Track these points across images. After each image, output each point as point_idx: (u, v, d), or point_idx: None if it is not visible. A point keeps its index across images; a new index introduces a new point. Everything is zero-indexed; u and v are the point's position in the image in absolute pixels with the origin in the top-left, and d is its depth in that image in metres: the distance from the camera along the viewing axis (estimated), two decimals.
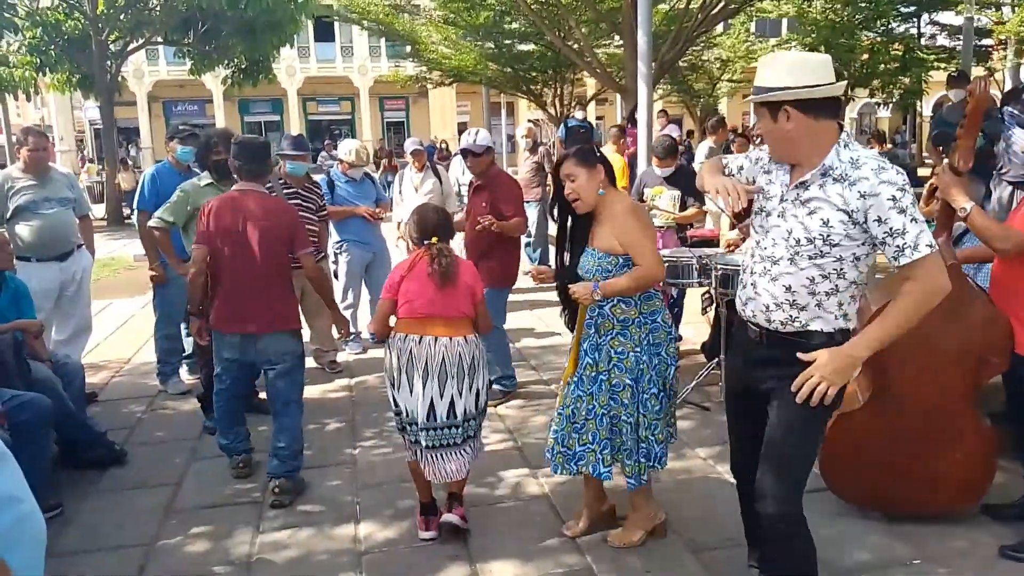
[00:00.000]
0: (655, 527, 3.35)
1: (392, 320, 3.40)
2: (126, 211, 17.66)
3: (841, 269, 2.31)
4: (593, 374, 3.15)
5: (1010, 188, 5.04)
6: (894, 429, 3.26)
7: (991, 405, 3.46)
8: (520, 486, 3.92)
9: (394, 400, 3.37)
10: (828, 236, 2.26)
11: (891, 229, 2.19)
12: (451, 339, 3.25)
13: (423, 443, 3.30)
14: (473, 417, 3.36)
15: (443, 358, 3.23)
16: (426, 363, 3.23)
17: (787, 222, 2.34)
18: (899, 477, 3.27)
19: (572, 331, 3.32)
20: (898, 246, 2.19)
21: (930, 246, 2.18)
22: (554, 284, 3.46)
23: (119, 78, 17.65)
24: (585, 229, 3.22)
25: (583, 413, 3.17)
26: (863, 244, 2.28)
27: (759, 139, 3.29)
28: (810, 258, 2.30)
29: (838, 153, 2.27)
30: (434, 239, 3.38)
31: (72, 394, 4.24)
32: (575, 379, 3.20)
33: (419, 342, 3.25)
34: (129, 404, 5.34)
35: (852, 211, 2.23)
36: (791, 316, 2.36)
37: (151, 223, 4.77)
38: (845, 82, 2.61)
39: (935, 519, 3.36)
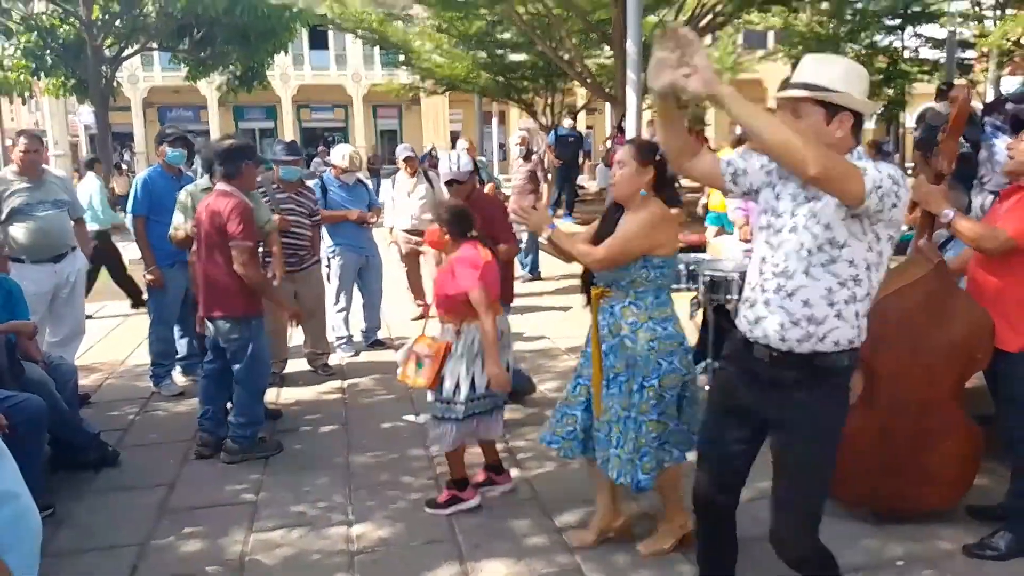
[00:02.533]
0: (684, 535, 3.26)
1: (433, 310, 3.80)
2: (120, 215, 17.65)
3: (856, 276, 2.24)
4: (614, 375, 3.11)
5: (991, 196, 5.12)
6: (885, 427, 3.31)
7: (977, 407, 3.52)
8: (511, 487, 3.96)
9: (473, 383, 3.54)
10: (833, 238, 2.22)
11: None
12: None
13: (478, 411, 3.61)
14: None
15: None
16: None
17: (799, 235, 2.28)
18: (890, 475, 3.32)
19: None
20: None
21: (862, 170, 2.11)
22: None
23: (114, 83, 17.63)
24: (614, 224, 3.18)
25: (611, 416, 3.11)
26: (870, 249, 2.23)
27: None
28: (823, 266, 2.24)
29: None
30: (473, 232, 3.65)
31: (66, 395, 4.25)
32: (604, 383, 3.15)
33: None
34: (122, 406, 5.35)
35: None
36: (808, 333, 2.27)
37: (179, 234, 4.85)
38: (878, 105, 2.59)
39: (922, 519, 3.41)
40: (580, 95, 24.71)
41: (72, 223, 5.25)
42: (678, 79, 2.02)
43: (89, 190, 8.44)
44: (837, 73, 2.22)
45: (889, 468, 3.31)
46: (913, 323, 3.21)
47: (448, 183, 4.82)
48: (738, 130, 5.27)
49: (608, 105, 15.48)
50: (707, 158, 2.54)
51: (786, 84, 2.35)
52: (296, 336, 6.23)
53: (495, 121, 29.43)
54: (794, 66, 2.40)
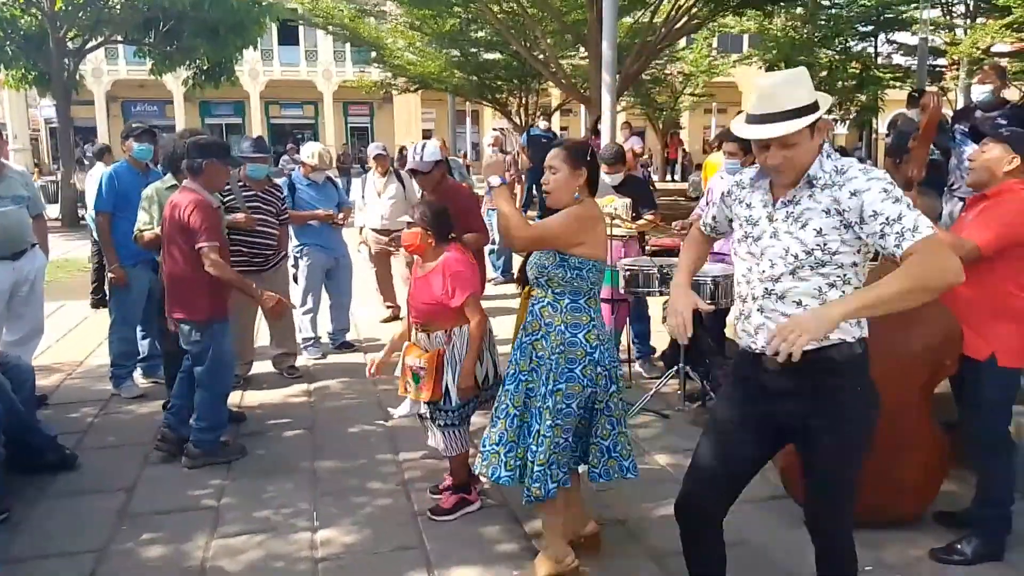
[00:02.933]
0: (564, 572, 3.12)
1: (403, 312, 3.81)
2: (81, 212, 17.30)
3: (845, 276, 2.25)
4: (514, 371, 3.11)
5: (961, 203, 5.19)
6: None
7: (944, 414, 3.54)
8: (480, 492, 3.91)
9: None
10: (825, 244, 2.22)
11: (887, 218, 2.12)
12: None
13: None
14: None
15: None
16: None
17: (782, 241, 2.27)
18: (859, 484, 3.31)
19: None
20: (898, 232, 2.11)
21: (931, 227, 2.12)
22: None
23: (77, 76, 17.29)
24: None
25: (499, 411, 3.13)
26: (859, 251, 2.25)
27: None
28: (811, 268, 2.24)
29: (821, 164, 2.24)
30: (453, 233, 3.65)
31: (22, 397, 4.14)
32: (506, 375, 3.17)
33: None
34: (81, 408, 5.22)
35: (844, 210, 2.18)
36: None
37: (146, 235, 4.71)
38: (831, 98, 2.60)
39: (890, 525, 3.42)
40: (555, 96, 24.74)
41: (31, 220, 5.11)
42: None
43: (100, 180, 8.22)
44: (802, 88, 2.22)
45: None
46: (880, 330, 3.21)
47: (411, 172, 4.78)
48: (713, 133, 5.27)
49: (583, 106, 15.50)
50: (701, 239, 2.72)
51: (755, 117, 2.25)
52: (262, 337, 6.13)
53: (468, 121, 29.37)
54: (768, 69, 2.35)
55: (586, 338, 3.01)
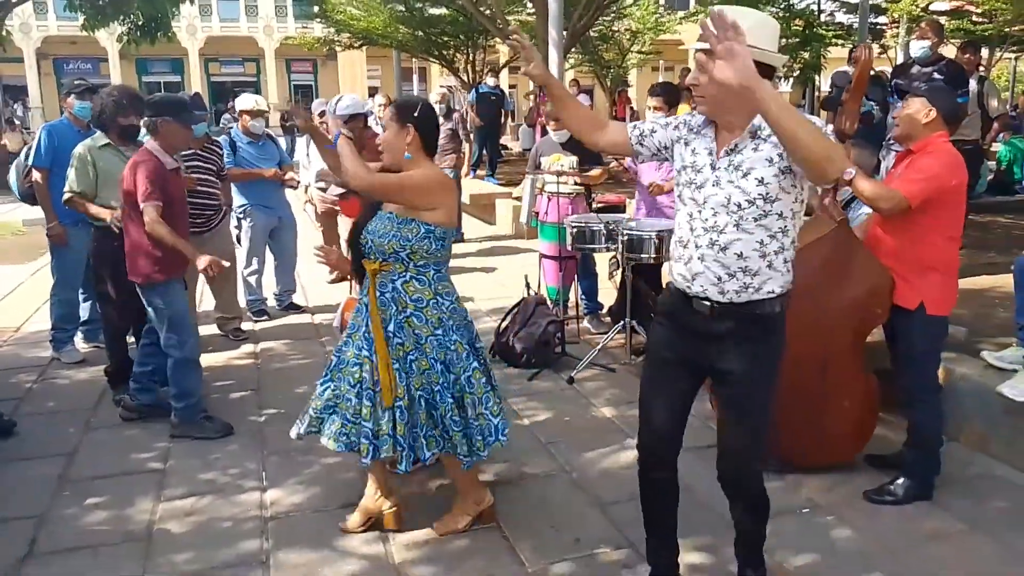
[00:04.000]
0: (482, 512, 3.21)
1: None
2: (12, 175, 16.69)
3: (785, 227, 2.31)
4: (403, 354, 2.97)
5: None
6: (788, 382, 3.39)
7: (875, 362, 3.67)
8: None
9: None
10: (766, 194, 2.25)
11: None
12: None
13: None
14: None
15: None
16: None
17: (724, 189, 2.30)
18: (791, 430, 3.41)
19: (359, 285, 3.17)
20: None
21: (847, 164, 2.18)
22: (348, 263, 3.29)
23: (3, 32, 16.50)
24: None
25: (403, 396, 2.96)
26: (796, 200, 2.30)
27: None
28: (755, 219, 2.28)
29: None
30: None
31: None
32: (394, 360, 2.97)
33: None
34: (18, 374, 5.09)
35: (783, 154, 2.20)
36: (744, 284, 2.33)
37: (65, 197, 4.53)
38: (786, 56, 2.58)
39: (823, 469, 3.55)
40: (503, 52, 24.40)
41: None
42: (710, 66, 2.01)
43: (38, 136, 7.88)
44: (747, 27, 2.16)
45: (790, 423, 3.38)
46: (815, 281, 3.30)
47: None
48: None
49: None
50: (612, 128, 2.60)
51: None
52: (206, 301, 6.02)
53: (415, 78, 28.87)
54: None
55: (460, 303, 3.07)
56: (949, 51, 7.14)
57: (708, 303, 2.39)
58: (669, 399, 2.55)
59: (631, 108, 27.52)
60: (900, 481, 3.38)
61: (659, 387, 2.57)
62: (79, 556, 3.10)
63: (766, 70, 2.22)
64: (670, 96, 5.20)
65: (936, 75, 5.89)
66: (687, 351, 2.49)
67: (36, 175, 5.02)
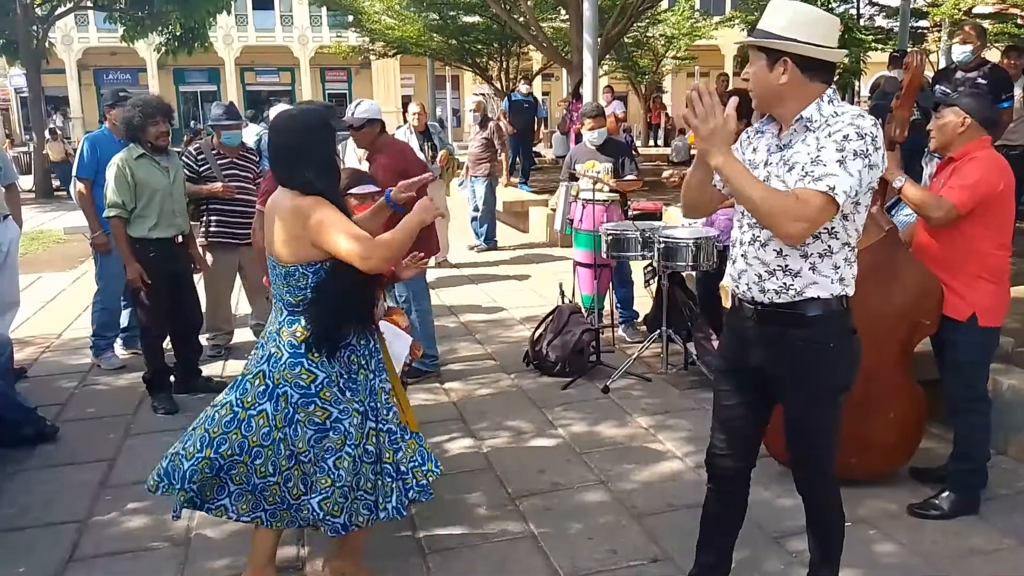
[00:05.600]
0: None
1: None
2: (55, 182, 17.03)
3: (832, 227, 2.20)
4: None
5: None
6: None
7: (922, 372, 3.58)
8: (463, 455, 3.93)
9: None
10: None
11: (819, 157, 2.11)
12: None
13: None
14: None
15: None
16: None
17: (770, 183, 2.23)
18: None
19: None
20: (809, 172, 2.11)
21: (830, 189, 2.07)
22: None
23: (46, 44, 16.90)
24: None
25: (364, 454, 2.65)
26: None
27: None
28: None
29: (819, 107, 2.19)
30: None
31: None
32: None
33: None
34: (60, 380, 5.17)
35: (821, 148, 2.13)
36: (785, 284, 2.25)
37: (109, 215, 4.54)
38: (846, 51, 2.55)
39: (867, 482, 3.47)
40: (536, 60, 24.44)
41: (3, 190, 5.01)
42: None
43: (81, 147, 8.06)
44: (785, 19, 2.18)
45: None
46: (863, 290, 3.23)
47: (347, 129, 4.74)
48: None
49: (564, 71, 15.35)
50: (709, 193, 2.47)
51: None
52: (243, 307, 6.08)
53: (448, 86, 29.04)
54: (750, 31, 2.33)
55: None
56: (993, 55, 7.00)
57: (752, 305, 2.34)
58: (732, 409, 2.49)
59: (666, 115, 27.28)
60: (945, 495, 3.29)
61: (724, 397, 2.52)
62: (120, 560, 3.14)
63: (827, 66, 2.20)
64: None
65: (980, 80, 5.76)
66: (745, 359, 2.43)
67: (80, 185, 5.11)
